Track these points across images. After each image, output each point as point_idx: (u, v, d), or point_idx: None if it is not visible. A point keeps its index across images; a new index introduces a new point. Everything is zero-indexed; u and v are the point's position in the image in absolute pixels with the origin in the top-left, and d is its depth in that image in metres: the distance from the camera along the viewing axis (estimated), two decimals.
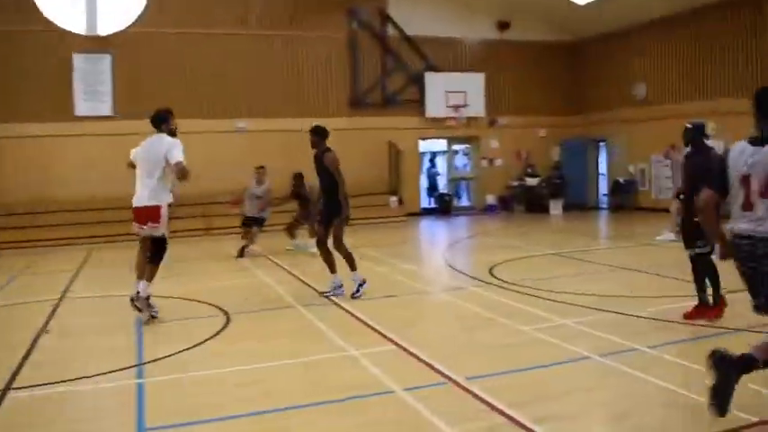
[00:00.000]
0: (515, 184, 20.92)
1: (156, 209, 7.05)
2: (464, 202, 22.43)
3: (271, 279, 9.81)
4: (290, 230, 12.73)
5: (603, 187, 21.53)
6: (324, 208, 8.38)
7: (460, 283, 9.21)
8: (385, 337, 6.40)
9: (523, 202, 20.70)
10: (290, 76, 18.70)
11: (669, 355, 5.58)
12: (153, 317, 7.19)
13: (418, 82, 19.85)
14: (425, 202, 22.13)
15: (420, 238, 16.53)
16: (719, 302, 6.68)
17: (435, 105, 19.75)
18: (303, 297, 8.38)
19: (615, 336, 6.14)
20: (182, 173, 6.83)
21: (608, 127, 20.47)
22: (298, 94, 18.74)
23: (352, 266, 8.25)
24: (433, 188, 22.80)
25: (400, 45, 19.74)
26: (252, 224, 12.38)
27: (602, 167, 21.81)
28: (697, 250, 6.62)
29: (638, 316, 6.90)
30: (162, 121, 7.22)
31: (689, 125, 6.92)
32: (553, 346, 5.92)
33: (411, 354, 5.83)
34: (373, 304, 7.94)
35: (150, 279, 7.15)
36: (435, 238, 16.72)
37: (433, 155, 25.89)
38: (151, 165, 7.06)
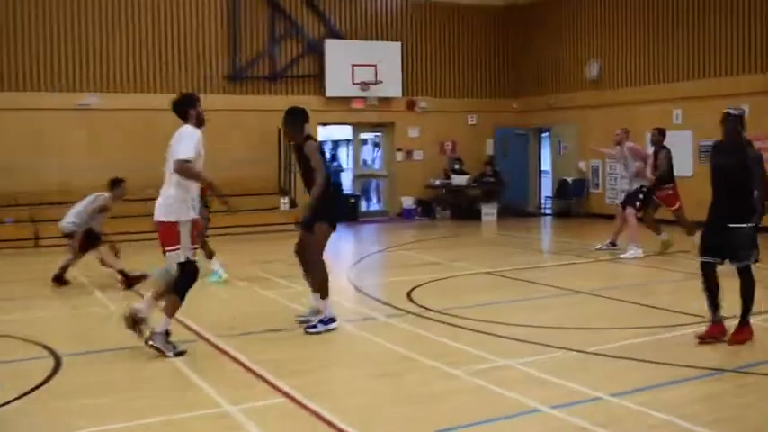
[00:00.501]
0: (438, 183, 20.98)
1: (170, 227, 7.00)
2: (374, 205, 22.35)
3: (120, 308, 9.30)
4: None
5: (547, 188, 21.92)
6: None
7: (371, 311, 9.04)
8: (272, 386, 6.13)
9: (449, 205, 20.78)
10: (152, 39, 18.08)
11: (638, 404, 5.48)
12: (180, 353, 7.02)
13: (317, 52, 19.61)
14: None
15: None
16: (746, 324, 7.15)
17: (338, 82, 19.60)
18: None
19: (571, 380, 6.04)
20: (181, 172, 6.93)
21: (553, 114, 20.84)
22: (161, 63, 18.16)
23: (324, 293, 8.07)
24: (336, 187, 22.54)
25: (294, 4, 19.48)
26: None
27: (546, 164, 22.19)
28: (750, 261, 7.01)
29: (597, 353, 6.84)
30: (187, 107, 7.53)
31: (733, 111, 7.09)
32: (493, 396, 5.78)
33: (307, 408, 5.56)
34: (257, 341, 7.69)
35: (170, 313, 7.06)
36: (337, 251, 16.49)
37: (335, 145, 25.77)
38: (168, 167, 7.13)
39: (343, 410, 5.46)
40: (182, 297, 7.06)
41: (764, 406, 5.57)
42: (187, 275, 7.06)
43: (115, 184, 10.97)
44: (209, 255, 11.08)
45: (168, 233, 7.00)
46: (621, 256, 12.73)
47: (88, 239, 10.73)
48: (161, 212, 7.05)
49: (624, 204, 13.16)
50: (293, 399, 5.76)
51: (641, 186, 12.88)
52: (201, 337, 7.81)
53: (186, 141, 7.04)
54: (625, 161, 13.18)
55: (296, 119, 8.41)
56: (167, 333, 7.05)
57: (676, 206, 12.92)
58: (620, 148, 13.26)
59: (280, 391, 5.97)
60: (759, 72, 15.85)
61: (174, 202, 7.01)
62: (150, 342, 6.97)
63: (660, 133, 13.08)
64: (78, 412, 5.61)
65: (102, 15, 17.64)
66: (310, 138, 8.40)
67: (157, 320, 7.06)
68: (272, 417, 5.48)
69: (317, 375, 6.59)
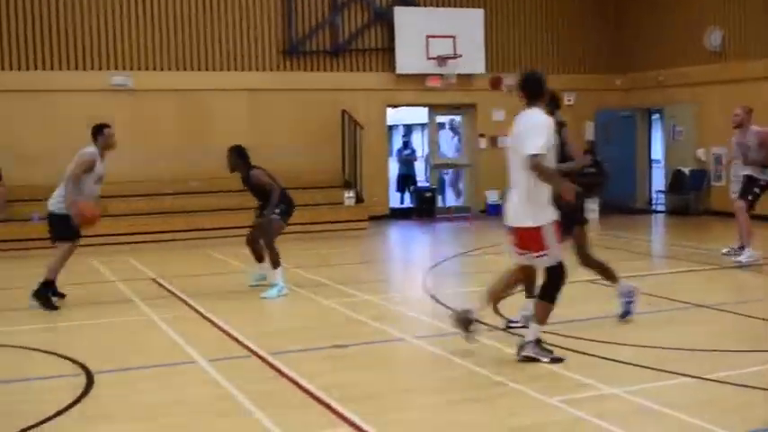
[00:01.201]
0: None
1: (533, 232, 7.37)
2: (453, 200, 22.26)
3: (160, 318, 9.47)
4: (254, 245, 11.46)
5: (658, 181, 21.55)
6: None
7: (450, 326, 8.87)
8: (334, 411, 6.08)
9: None
10: (193, 11, 18.28)
11: None
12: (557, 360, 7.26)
13: (385, 21, 19.58)
14: (396, 200, 21.94)
15: (389, 255, 16.42)
16: None
17: (411, 57, 19.60)
18: (210, 346, 8.13)
19: (690, 414, 5.85)
20: (533, 169, 7.25)
21: (666, 92, 20.48)
22: (205, 37, 18.36)
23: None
24: (406, 180, 22.62)
25: None
26: None
27: (657, 152, 21.81)
28: None
29: (723, 381, 6.63)
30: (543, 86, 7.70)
31: None
32: (595, 430, 5.63)
33: None
34: (316, 358, 7.69)
35: (542, 320, 7.37)
36: (412, 254, 16.52)
37: (408, 130, 25.77)
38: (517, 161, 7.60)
39: None
40: (553, 301, 7.35)
41: None
42: (558, 278, 7.34)
43: (97, 131, 10.11)
44: (259, 258, 11.27)
45: (531, 238, 7.31)
46: (735, 259, 12.38)
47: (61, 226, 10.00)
48: (520, 217, 7.40)
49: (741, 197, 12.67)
50: (359, 429, 5.71)
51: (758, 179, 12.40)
52: (254, 353, 7.84)
53: (538, 131, 7.23)
54: (747, 149, 12.59)
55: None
56: (538, 341, 7.31)
57: None
58: (742, 132, 12.70)
59: (343, 418, 5.92)
60: None
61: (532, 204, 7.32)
62: (523, 353, 7.29)
63: None
64: None
65: None
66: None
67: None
68: None
69: (387, 401, 6.52)
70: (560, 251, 7.35)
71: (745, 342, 7.97)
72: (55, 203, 10.02)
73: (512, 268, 7.98)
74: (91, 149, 9.94)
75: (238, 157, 10.86)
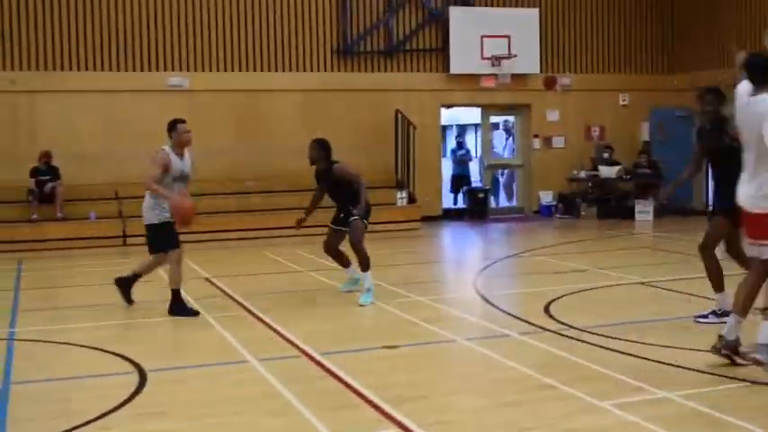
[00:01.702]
0: (583, 175, 20.66)
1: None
2: (506, 201, 22.18)
3: (213, 317, 9.55)
4: (334, 252, 10.91)
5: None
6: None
7: (501, 328, 8.90)
8: (382, 412, 6.05)
9: (596, 202, 20.44)
10: (247, 12, 18.40)
11: None
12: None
13: (440, 21, 19.54)
14: (449, 200, 21.89)
15: (440, 256, 16.38)
16: None
17: (465, 57, 19.57)
18: (262, 346, 8.13)
19: (748, 420, 5.72)
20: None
21: (726, 92, 20.08)
22: (260, 38, 18.48)
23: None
24: (460, 180, 22.56)
25: None
26: None
27: None
28: None
29: None
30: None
31: None
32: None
33: None
34: (366, 359, 7.70)
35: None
36: (464, 255, 16.48)
37: (462, 130, 25.71)
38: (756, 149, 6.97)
39: None
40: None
41: None
42: None
43: (171, 127, 9.64)
44: (346, 263, 10.95)
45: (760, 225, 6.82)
46: None
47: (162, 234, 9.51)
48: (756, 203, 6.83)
49: None
50: (407, 429, 5.67)
51: None
52: (304, 353, 7.85)
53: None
54: None
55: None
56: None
57: None
58: None
59: (392, 419, 5.89)
60: None
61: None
62: (750, 355, 6.81)
63: None
64: None
65: None
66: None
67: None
68: None
69: (435, 403, 6.48)
70: None
71: None
72: (146, 215, 9.50)
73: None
74: (164, 148, 9.47)
75: (321, 149, 10.27)
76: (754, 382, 6.62)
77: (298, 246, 12.46)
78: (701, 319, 8.78)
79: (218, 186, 17.50)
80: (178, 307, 9.44)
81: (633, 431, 5.66)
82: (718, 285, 8.83)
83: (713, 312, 8.78)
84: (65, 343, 8.41)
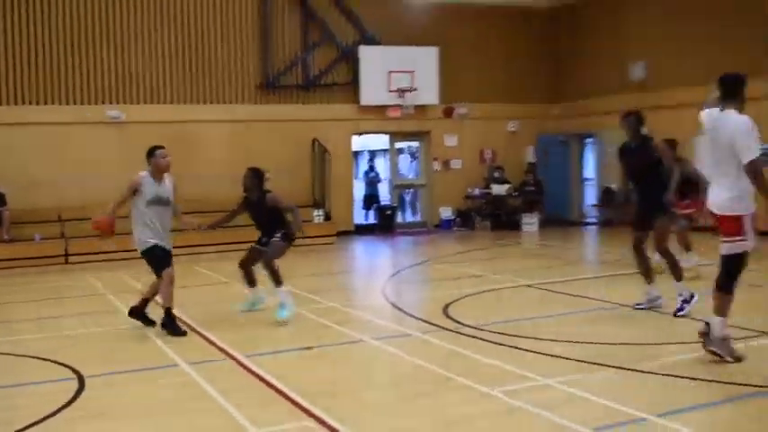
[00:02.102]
0: (478, 192, 20.80)
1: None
2: (411, 216, 22.26)
3: (147, 327, 9.26)
4: (247, 268, 10.16)
5: (591, 196, 21.61)
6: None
7: (405, 327, 8.88)
8: (299, 407, 5.99)
9: (489, 216, 20.59)
10: (179, 49, 18.16)
11: (687, 425, 5.26)
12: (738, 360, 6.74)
13: (351, 58, 19.56)
14: (361, 217, 21.87)
15: (352, 266, 16.31)
16: None
17: (374, 90, 19.54)
18: (191, 351, 8.00)
19: (615, 401, 5.82)
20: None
21: (597, 119, 20.51)
22: (191, 73, 18.25)
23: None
24: (371, 199, 22.56)
25: (327, 10, 19.47)
26: None
27: (590, 171, 21.90)
28: None
29: (644, 371, 6.63)
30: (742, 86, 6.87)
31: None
32: (532, 417, 5.60)
33: (332, 429, 5.42)
34: (285, 360, 7.63)
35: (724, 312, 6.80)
36: (374, 265, 16.44)
37: (372, 155, 25.75)
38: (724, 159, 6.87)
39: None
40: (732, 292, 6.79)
41: None
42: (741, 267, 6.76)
43: (149, 153, 9.08)
44: (252, 282, 10.14)
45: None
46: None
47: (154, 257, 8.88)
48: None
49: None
50: (321, 422, 5.63)
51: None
52: (229, 356, 7.73)
53: (751, 136, 6.52)
54: None
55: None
56: (725, 338, 6.80)
57: None
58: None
59: (306, 412, 5.84)
60: None
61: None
62: (709, 348, 6.79)
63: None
64: None
65: (129, 25, 17.79)
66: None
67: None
68: None
69: (348, 396, 6.44)
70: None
71: (664, 336, 7.95)
72: (136, 245, 8.94)
73: None
74: (141, 173, 8.90)
75: (254, 177, 9.61)
76: (621, 368, 6.76)
77: (224, 260, 12.23)
78: (679, 313, 8.78)
79: None
80: (170, 325, 8.75)
81: (520, 414, 5.72)
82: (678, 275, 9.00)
83: (684, 301, 8.86)
84: (7, 353, 8.16)
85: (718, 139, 6.69)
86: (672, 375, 6.52)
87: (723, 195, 6.69)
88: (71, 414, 6.06)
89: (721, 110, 6.72)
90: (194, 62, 18.30)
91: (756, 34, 16.50)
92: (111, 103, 17.57)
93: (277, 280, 9.34)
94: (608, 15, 20.27)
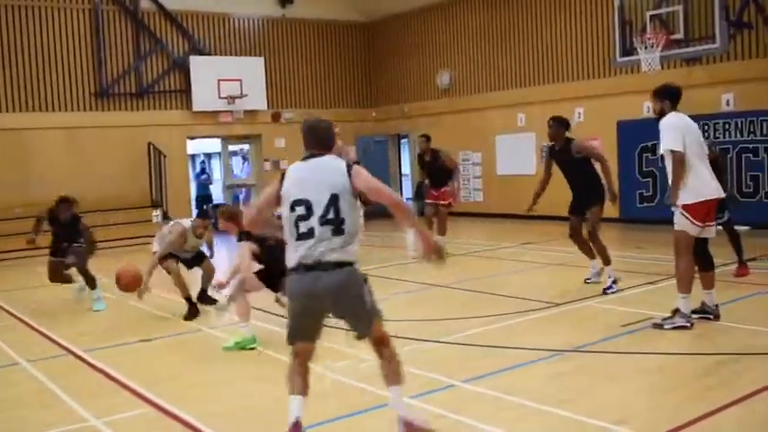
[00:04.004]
0: None
1: None
2: None
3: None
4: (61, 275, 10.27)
5: (408, 190, 22.10)
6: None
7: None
8: (139, 396, 5.86)
9: None
10: (15, 57, 17.13)
11: (489, 388, 5.53)
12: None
13: (182, 67, 19.16)
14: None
15: None
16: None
17: (205, 96, 19.17)
18: (32, 348, 7.65)
19: (426, 370, 6.03)
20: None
21: (411, 122, 21.04)
22: (28, 80, 17.24)
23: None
24: (204, 199, 22.13)
25: (158, 22, 18.95)
26: None
27: (406, 168, 22.40)
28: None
29: (451, 343, 6.90)
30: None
31: None
32: (350, 390, 5.72)
33: (172, 416, 5.33)
34: (124, 352, 7.45)
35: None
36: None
37: (208, 158, 25.27)
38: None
39: (208, 416, 5.28)
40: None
41: (605, 383, 5.71)
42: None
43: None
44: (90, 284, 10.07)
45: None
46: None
47: None
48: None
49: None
50: (160, 408, 5.53)
51: None
52: (70, 351, 7.44)
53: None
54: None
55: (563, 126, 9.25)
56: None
57: None
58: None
59: (147, 400, 5.72)
60: (590, 78, 16.51)
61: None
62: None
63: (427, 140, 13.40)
64: None
65: None
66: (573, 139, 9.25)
67: None
68: (138, 427, 5.24)
69: (185, 382, 6.33)
70: None
71: (467, 311, 8.22)
72: None
73: None
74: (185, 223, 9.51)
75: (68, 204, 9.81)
76: (436, 341, 6.99)
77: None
78: (608, 291, 8.76)
79: None
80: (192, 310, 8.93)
81: (339, 387, 5.78)
82: (606, 260, 9.04)
83: (614, 282, 8.87)
84: None
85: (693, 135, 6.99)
86: (475, 345, 6.79)
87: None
88: None
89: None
90: (27, 70, 17.26)
91: (537, 46, 17.43)
92: None
93: (92, 282, 9.73)
94: (418, 30, 20.78)
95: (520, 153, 16.40)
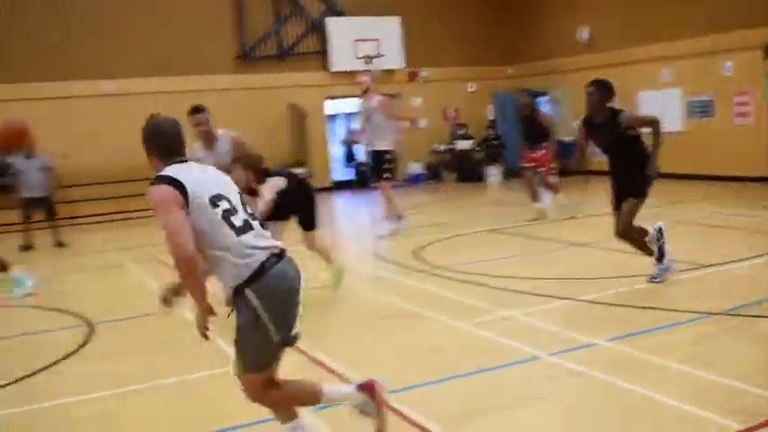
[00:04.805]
0: (443, 148, 20.87)
1: None
2: None
3: (152, 279, 9.36)
4: None
5: None
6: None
7: (380, 271, 8.97)
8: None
9: (455, 169, 20.67)
10: (158, 25, 17.90)
11: (635, 348, 5.41)
12: None
13: (320, 30, 19.44)
14: (340, 174, 21.83)
15: (332, 219, 16.20)
16: None
17: (343, 57, 19.43)
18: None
19: (570, 329, 5.98)
20: None
21: (549, 78, 20.56)
22: (168, 47, 17.98)
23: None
24: (351, 157, 22.41)
25: None
26: None
27: None
28: None
29: (594, 302, 6.78)
30: None
31: None
32: (495, 344, 5.75)
33: (318, 363, 5.51)
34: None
35: None
36: (348, 216, 16.50)
37: (349, 117, 25.57)
38: None
39: (351, 365, 5.41)
40: None
41: (752, 347, 5.48)
42: None
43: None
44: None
45: None
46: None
47: None
48: None
49: None
50: (304, 354, 5.63)
51: None
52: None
53: None
54: None
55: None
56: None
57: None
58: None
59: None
60: (740, 29, 15.53)
61: None
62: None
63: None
64: (104, 375, 5.65)
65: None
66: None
67: None
68: (287, 372, 5.45)
69: (325, 333, 6.49)
70: None
71: (610, 270, 8.02)
72: None
73: None
74: None
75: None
76: (579, 300, 6.91)
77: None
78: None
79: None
80: None
81: (484, 342, 5.85)
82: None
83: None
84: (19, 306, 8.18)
85: None
86: (618, 305, 6.67)
87: None
88: (84, 354, 6.16)
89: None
90: (173, 36, 17.97)
91: None
92: (95, 78, 17.33)
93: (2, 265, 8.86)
94: None
95: (665, 109, 15.68)
